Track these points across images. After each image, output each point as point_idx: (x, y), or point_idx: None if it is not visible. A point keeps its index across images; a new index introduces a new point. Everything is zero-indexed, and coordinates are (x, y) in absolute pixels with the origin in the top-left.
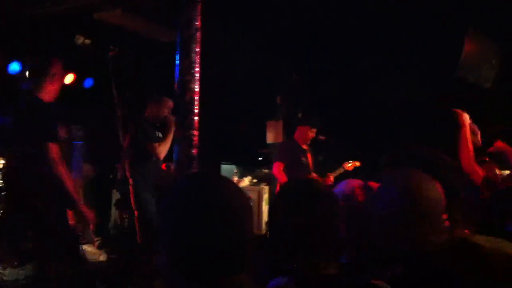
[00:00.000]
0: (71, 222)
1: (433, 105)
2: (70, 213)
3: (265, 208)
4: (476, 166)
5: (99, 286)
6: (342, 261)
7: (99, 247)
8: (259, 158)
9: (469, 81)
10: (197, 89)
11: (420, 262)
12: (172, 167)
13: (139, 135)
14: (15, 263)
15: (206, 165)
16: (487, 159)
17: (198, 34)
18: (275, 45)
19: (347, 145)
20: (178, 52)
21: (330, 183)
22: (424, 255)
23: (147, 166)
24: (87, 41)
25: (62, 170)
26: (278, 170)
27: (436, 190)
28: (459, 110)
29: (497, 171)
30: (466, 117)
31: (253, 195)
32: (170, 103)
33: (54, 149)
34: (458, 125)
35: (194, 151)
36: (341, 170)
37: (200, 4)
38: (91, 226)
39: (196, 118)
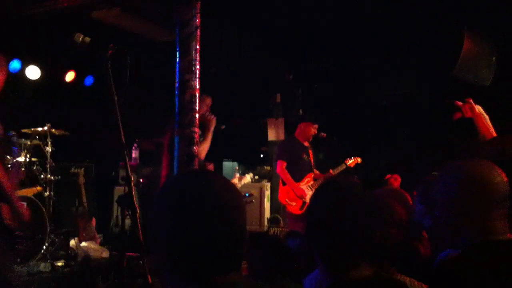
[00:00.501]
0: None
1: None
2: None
3: (267, 204)
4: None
5: (101, 282)
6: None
7: (102, 244)
8: (261, 155)
9: (468, 80)
10: (197, 87)
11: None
12: (209, 166)
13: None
14: (18, 260)
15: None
16: None
17: (198, 32)
18: (271, 44)
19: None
20: (178, 50)
21: None
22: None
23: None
24: (87, 39)
25: None
26: (281, 168)
27: (501, 177)
28: (459, 102)
29: None
30: (471, 106)
31: (254, 192)
32: (209, 101)
33: None
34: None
35: (195, 148)
36: (343, 167)
37: (199, 2)
38: (92, 223)
39: (196, 115)
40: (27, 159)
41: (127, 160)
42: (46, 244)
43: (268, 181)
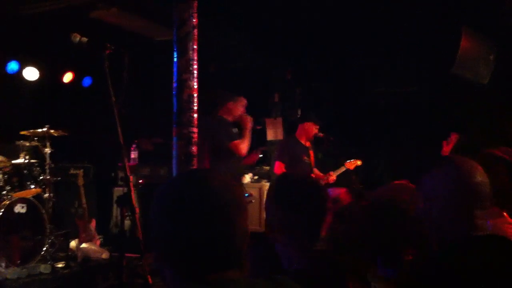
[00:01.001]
0: None
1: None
2: None
3: None
4: None
5: (101, 283)
6: None
7: (101, 245)
8: (260, 155)
9: (466, 77)
10: (195, 87)
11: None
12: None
13: (222, 135)
14: (18, 261)
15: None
16: None
17: (195, 32)
18: (270, 44)
19: (346, 143)
20: (176, 50)
21: (332, 181)
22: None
23: (231, 163)
24: (84, 39)
25: None
26: (279, 168)
27: (484, 177)
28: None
29: None
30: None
31: (254, 192)
32: (245, 101)
33: None
34: None
35: (193, 148)
36: (342, 169)
37: (196, 2)
38: (92, 224)
39: (195, 115)
40: (26, 161)
41: (126, 161)
42: (46, 246)
43: (267, 181)
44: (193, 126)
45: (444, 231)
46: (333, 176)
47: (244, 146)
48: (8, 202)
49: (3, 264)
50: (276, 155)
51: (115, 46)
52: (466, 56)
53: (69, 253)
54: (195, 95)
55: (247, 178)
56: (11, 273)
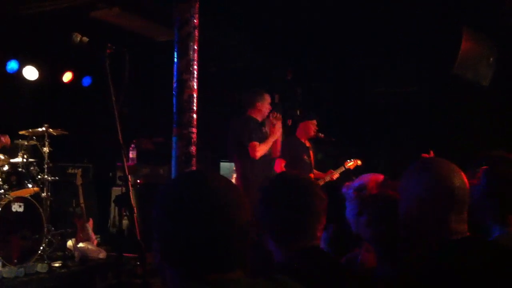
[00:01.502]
0: None
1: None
2: None
3: None
4: None
5: (99, 283)
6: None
7: (99, 245)
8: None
9: (467, 78)
10: (195, 87)
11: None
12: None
13: (244, 134)
14: (15, 260)
15: (205, 163)
16: None
17: (196, 32)
18: (271, 44)
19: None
20: (176, 50)
21: (335, 178)
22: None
23: (257, 163)
24: (85, 39)
25: None
26: (279, 167)
27: (462, 179)
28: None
29: None
30: None
31: None
32: (269, 98)
33: None
34: None
35: (192, 148)
36: (342, 169)
37: (197, 2)
38: (90, 224)
39: (194, 116)
40: (24, 160)
41: (125, 160)
42: (43, 245)
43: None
44: (193, 127)
45: (420, 233)
46: (336, 174)
47: (261, 149)
48: (5, 201)
49: (0, 263)
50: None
51: (115, 46)
52: (467, 57)
53: (67, 252)
54: (195, 95)
55: None
56: (8, 272)
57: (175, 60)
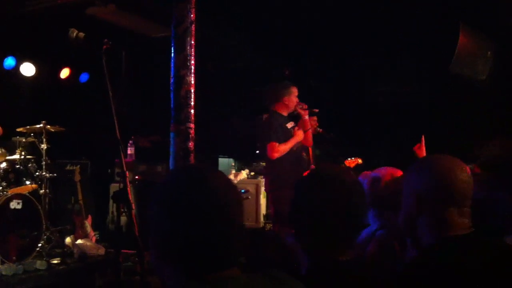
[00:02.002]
0: None
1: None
2: None
3: (263, 201)
4: None
5: (98, 280)
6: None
7: (98, 241)
8: (257, 151)
9: (464, 74)
10: (192, 82)
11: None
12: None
13: (265, 132)
14: (13, 257)
15: (203, 159)
16: None
17: (193, 27)
18: (269, 41)
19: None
20: (173, 46)
21: None
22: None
23: (282, 160)
24: (81, 35)
25: None
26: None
27: (465, 173)
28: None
29: None
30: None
31: (250, 188)
32: (296, 91)
33: None
34: None
35: (190, 144)
36: None
37: None
38: (89, 220)
39: (192, 111)
40: (22, 157)
41: (123, 157)
42: (42, 242)
43: (263, 177)
44: (190, 122)
45: (420, 228)
46: None
47: (280, 149)
48: (4, 198)
49: None
50: None
51: (112, 42)
52: (464, 53)
53: (65, 249)
54: (193, 91)
55: (244, 174)
56: (7, 269)
57: (172, 55)
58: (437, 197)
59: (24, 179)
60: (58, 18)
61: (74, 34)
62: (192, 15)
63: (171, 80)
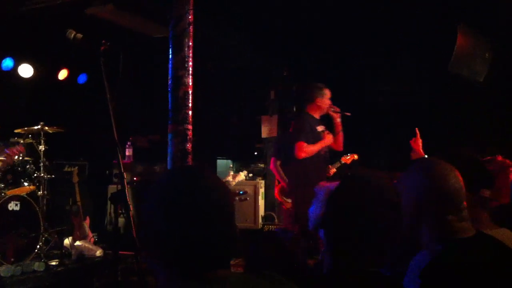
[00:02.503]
0: None
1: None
2: None
3: (261, 202)
4: None
5: (96, 281)
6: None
7: (96, 243)
8: (255, 153)
9: (462, 75)
10: (190, 84)
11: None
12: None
13: (295, 133)
14: (12, 259)
15: (201, 160)
16: None
17: (191, 29)
18: (268, 41)
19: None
20: (171, 46)
21: (332, 173)
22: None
23: (311, 160)
24: (79, 36)
25: None
26: (274, 165)
27: (457, 178)
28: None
29: None
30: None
31: (249, 190)
32: (329, 93)
33: None
34: None
35: (188, 145)
36: (338, 164)
37: None
38: (87, 221)
39: (190, 112)
40: (20, 158)
41: (120, 158)
42: (40, 243)
43: (262, 179)
44: (188, 123)
45: (418, 235)
46: (333, 170)
47: (307, 150)
48: (2, 200)
49: None
50: (272, 152)
51: (110, 42)
52: (462, 53)
53: (64, 250)
54: (191, 92)
55: (242, 175)
56: (5, 270)
57: (170, 56)
58: (433, 203)
59: (22, 180)
60: (57, 18)
61: (72, 35)
62: (190, 17)
63: (169, 81)
